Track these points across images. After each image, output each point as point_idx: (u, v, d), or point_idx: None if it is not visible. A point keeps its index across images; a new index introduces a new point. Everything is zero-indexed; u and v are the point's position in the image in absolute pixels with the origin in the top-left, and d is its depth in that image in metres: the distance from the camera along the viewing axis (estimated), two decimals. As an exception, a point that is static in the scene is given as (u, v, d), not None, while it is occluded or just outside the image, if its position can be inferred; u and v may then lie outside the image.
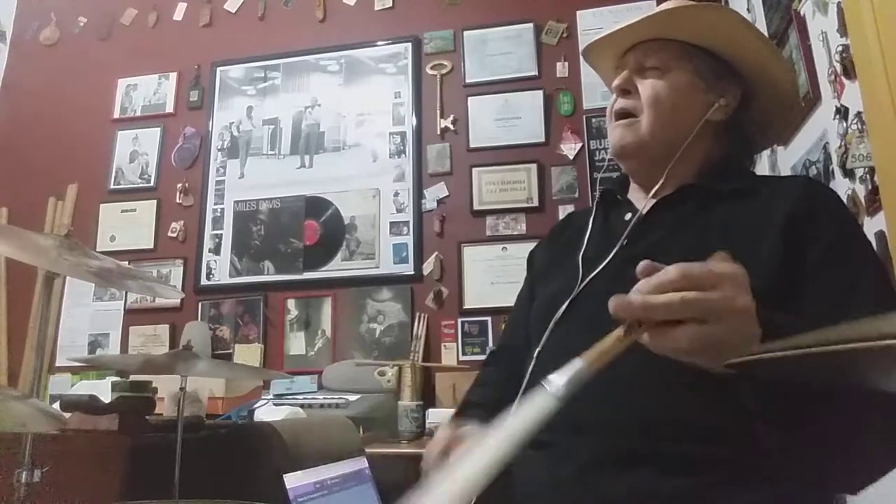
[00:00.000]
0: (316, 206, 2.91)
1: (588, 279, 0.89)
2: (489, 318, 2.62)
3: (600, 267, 0.89)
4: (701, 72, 0.95)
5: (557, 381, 0.54)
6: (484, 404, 1.03)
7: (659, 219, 0.91)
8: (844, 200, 1.53)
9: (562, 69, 2.82)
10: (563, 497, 0.79)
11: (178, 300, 2.87)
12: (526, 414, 0.54)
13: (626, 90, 0.96)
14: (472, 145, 2.84)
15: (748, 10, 2.28)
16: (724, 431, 0.72)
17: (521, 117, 2.81)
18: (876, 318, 0.38)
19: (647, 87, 0.94)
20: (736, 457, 0.72)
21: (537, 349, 0.91)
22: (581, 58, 2.76)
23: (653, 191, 0.92)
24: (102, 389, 1.86)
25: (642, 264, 0.59)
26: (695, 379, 0.63)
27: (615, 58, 1.03)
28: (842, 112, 1.52)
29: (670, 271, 0.56)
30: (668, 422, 0.75)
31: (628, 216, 0.96)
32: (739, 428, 0.68)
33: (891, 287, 0.81)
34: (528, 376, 0.90)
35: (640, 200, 0.97)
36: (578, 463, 0.79)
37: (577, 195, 2.68)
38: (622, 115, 0.96)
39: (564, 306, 0.89)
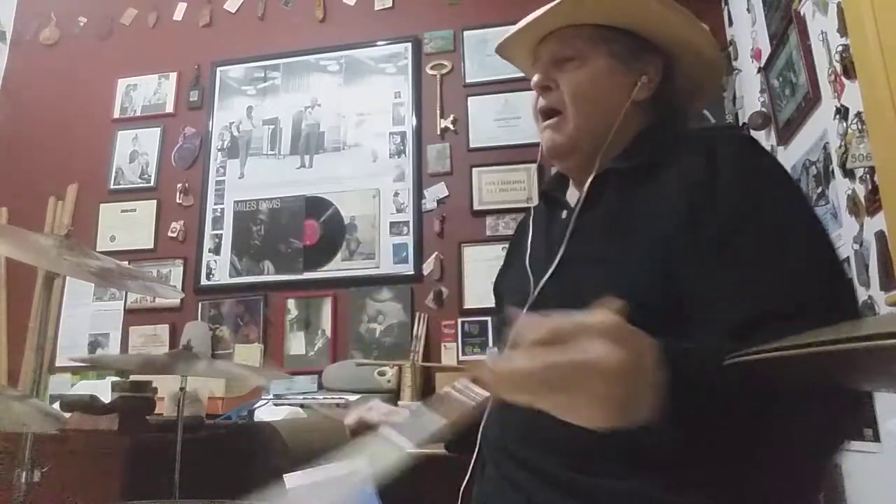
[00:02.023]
0: (316, 206, 2.91)
1: (537, 290, 0.86)
2: (489, 318, 2.61)
3: (546, 275, 0.85)
4: (617, 53, 0.91)
5: (406, 425, 0.56)
6: None
7: (586, 214, 0.87)
8: (844, 201, 1.53)
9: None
10: None
11: (178, 300, 2.86)
12: (372, 454, 0.56)
13: (546, 87, 0.92)
14: (472, 145, 2.84)
15: (748, 10, 2.28)
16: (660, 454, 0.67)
17: (521, 117, 2.81)
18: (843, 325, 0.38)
19: (566, 80, 0.91)
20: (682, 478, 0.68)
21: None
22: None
23: (585, 188, 0.88)
24: (102, 389, 1.86)
25: (517, 320, 0.57)
26: None
27: (529, 50, 1.00)
28: (842, 112, 1.52)
29: (542, 328, 0.54)
30: (605, 446, 0.68)
31: (564, 214, 0.93)
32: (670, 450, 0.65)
33: (826, 257, 0.72)
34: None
35: (573, 196, 0.95)
36: (526, 492, 0.77)
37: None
38: (547, 113, 0.92)
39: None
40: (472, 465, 0.89)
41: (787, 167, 1.89)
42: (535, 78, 0.94)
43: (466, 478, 0.88)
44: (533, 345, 0.53)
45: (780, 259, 0.70)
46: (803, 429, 0.63)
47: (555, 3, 0.91)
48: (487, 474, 0.86)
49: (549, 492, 0.76)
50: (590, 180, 0.87)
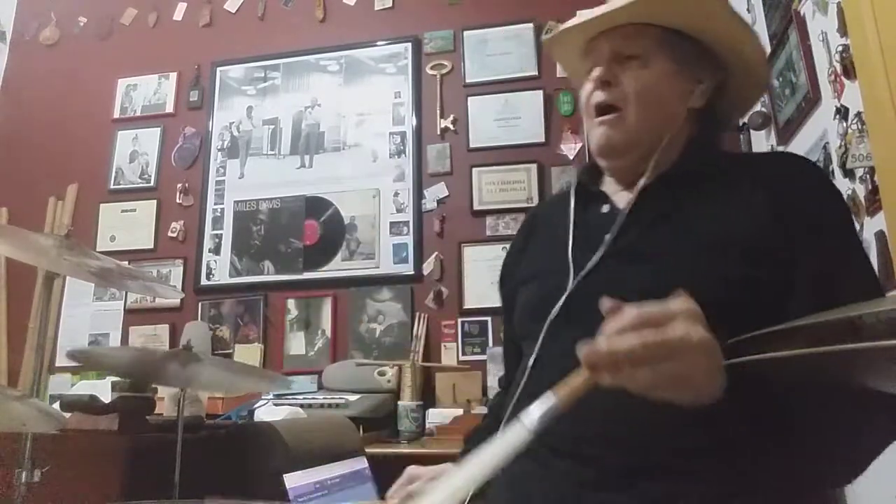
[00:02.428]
0: (316, 206, 2.91)
1: (578, 279, 0.86)
2: (489, 318, 2.62)
3: (588, 266, 0.86)
4: (680, 58, 0.91)
5: (533, 414, 0.59)
6: (487, 429, 1.05)
7: (640, 211, 0.87)
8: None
9: (562, 69, 2.81)
10: None
11: (178, 300, 2.87)
12: (500, 445, 0.59)
13: (607, 82, 0.91)
14: (472, 145, 2.84)
15: (748, 10, 2.28)
16: (717, 444, 0.71)
17: (521, 117, 2.81)
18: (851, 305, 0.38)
19: (631, 79, 0.90)
20: (732, 466, 0.71)
21: (532, 358, 0.88)
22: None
23: (639, 185, 0.89)
24: (102, 389, 1.86)
25: (606, 305, 0.61)
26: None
27: (583, 44, 0.98)
28: (842, 112, 1.52)
29: (629, 314, 0.59)
30: (663, 437, 0.73)
31: (605, 209, 0.93)
32: (732, 439, 0.68)
33: (873, 273, 0.82)
34: (523, 384, 0.87)
35: (616, 192, 0.95)
36: (575, 480, 0.77)
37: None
38: (604, 108, 0.91)
39: (558, 307, 0.86)
40: None
41: (787, 167, 1.89)
42: (598, 72, 0.92)
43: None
44: (624, 329, 0.59)
45: (852, 265, 0.79)
46: (837, 431, 0.68)
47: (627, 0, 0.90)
48: (522, 470, 0.84)
49: (599, 486, 0.75)
50: (643, 181, 0.88)
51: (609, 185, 0.97)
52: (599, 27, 0.95)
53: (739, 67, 0.94)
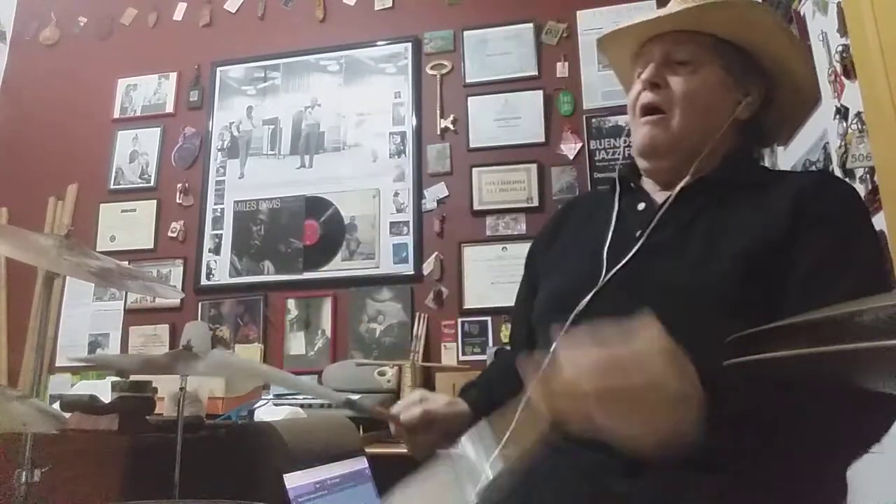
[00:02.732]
0: (316, 206, 2.91)
1: (613, 271, 0.87)
2: (489, 318, 2.62)
3: (625, 260, 0.87)
4: (730, 68, 0.93)
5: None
6: (477, 384, 1.07)
7: (676, 210, 0.89)
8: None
9: (562, 69, 2.82)
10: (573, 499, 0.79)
11: (178, 300, 2.86)
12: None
13: (656, 84, 0.93)
14: (472, 145, 2.84)
15: (748, 10, 2.28)
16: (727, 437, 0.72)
17: (521, 117, 2.81)
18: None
19: (679, 83, 0.92)
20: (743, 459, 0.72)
21: (555, 345, 0.89)
22: (581, 58, 2.78)
23: (678, 186, 0.90)
24: (102, 389, 1.86)
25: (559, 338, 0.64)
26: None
27: (635, 47, 1.00)
28: (842, 112, 1.52)
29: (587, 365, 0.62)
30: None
31: (641, 206, 0.94)
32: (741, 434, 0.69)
33: (877, 272, 0.82)
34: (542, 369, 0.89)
35: (654, 191, 0.96)
36: (579, 469, 0.78)
37: (577, 195, 2.68)
38: (650, 109, 0.93)
39: (588, 298, 0.87)
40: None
41: (788, 167, 1.89)
42: (647, 73, 0.94)
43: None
44: (588, 370, 0.59)
45: (849, 264, 0.79)
46: (822, 430, 0.70)
47: (686, 5, 0.92)
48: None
49: (603, 475, 0.76)
50: (683, 182, 0.90)
51: (646, 185, 0.99)
52: (651, 32, 0.97)
53: (787, 83, 0.96)
